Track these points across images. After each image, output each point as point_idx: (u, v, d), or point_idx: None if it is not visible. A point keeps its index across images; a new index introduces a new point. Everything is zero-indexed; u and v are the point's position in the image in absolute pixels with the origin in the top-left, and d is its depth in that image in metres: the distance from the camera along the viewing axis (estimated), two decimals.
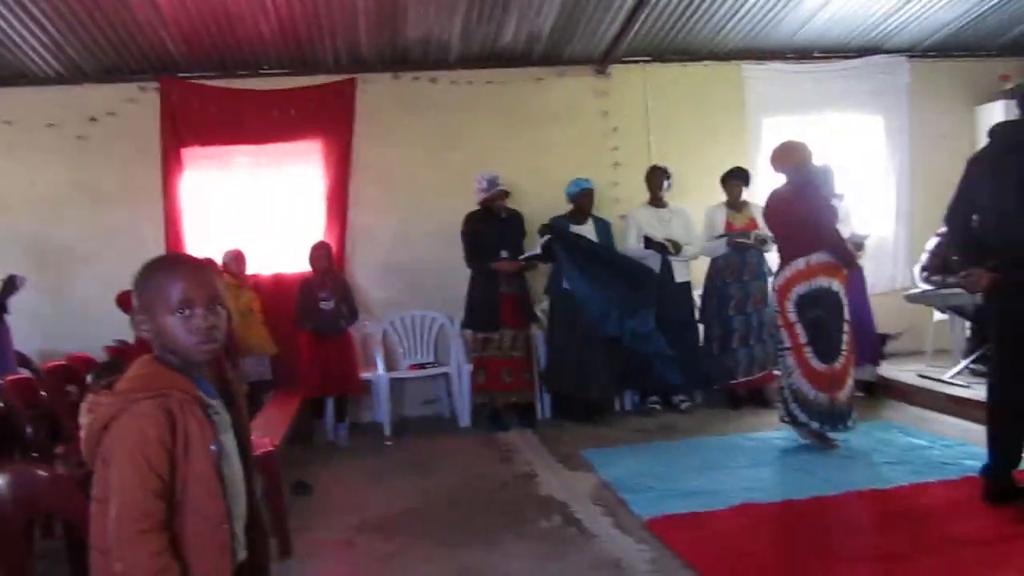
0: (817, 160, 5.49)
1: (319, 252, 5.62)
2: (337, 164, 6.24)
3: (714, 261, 5.87)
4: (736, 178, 5.84)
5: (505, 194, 5.66)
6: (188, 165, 6.05)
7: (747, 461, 4.50)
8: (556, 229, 5.62)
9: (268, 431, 3.90)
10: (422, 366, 6.20)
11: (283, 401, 5.15)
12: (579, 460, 4.74)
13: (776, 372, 5.06)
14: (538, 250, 5.60)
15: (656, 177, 5.91)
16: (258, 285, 5.91)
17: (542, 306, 6.04)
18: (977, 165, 3.55)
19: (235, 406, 1.64)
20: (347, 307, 5.60)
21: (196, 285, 1.52)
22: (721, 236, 5.78)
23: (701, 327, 5.97)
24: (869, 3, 6.02)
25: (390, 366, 6.08)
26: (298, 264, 5.87)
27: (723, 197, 5.91)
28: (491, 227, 5.62)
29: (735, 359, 5.77)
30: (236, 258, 5.67)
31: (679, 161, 6.25)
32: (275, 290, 6.00)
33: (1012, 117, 3.72)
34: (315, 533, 3.75)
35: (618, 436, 5.28)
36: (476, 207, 5.69)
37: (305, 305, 5.51)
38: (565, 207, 5.86)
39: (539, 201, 6.16)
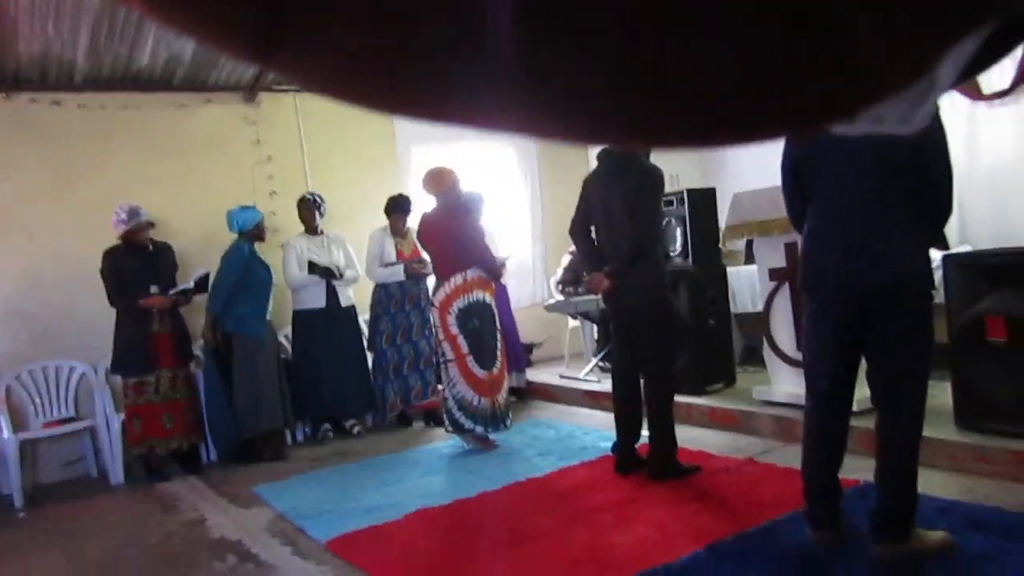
0: (468, 187, 5.99)
1: None
2: None
3: (384, 287, 5.93)
4: (398, 209, 6.00)
5: (150, 225, 5.27)
6: None
7: (420, 472, 4.72)
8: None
9: None
10: (61, 422, 5.49)
11: None
12: (251, 497, 4.57)
13: (440, 388, 5.35)
14: (191, 284, 5.30)
15: (307, 207, 5.91)
16: None
17: (199, 343, 5.71)
18: (590, 185, 4.17)
19: None
20: None
21: None
22: (395, 263, 5.89)
23: (369, 353, 6.06)
24: None
25: (18, 426, 5.29)
26: None
27: (383, 223, 6.05)
28: (136, 261, 5.18)
29: (408, 384, 5.93)
30: None
31: (335, 189, 6.36)
32: None
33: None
34: None
35: (291, 468, 5.17)
36: (116, 242, 5.22)
37: None
38: (222, 238, 5.59)
39: (190, 232, 5.86)
